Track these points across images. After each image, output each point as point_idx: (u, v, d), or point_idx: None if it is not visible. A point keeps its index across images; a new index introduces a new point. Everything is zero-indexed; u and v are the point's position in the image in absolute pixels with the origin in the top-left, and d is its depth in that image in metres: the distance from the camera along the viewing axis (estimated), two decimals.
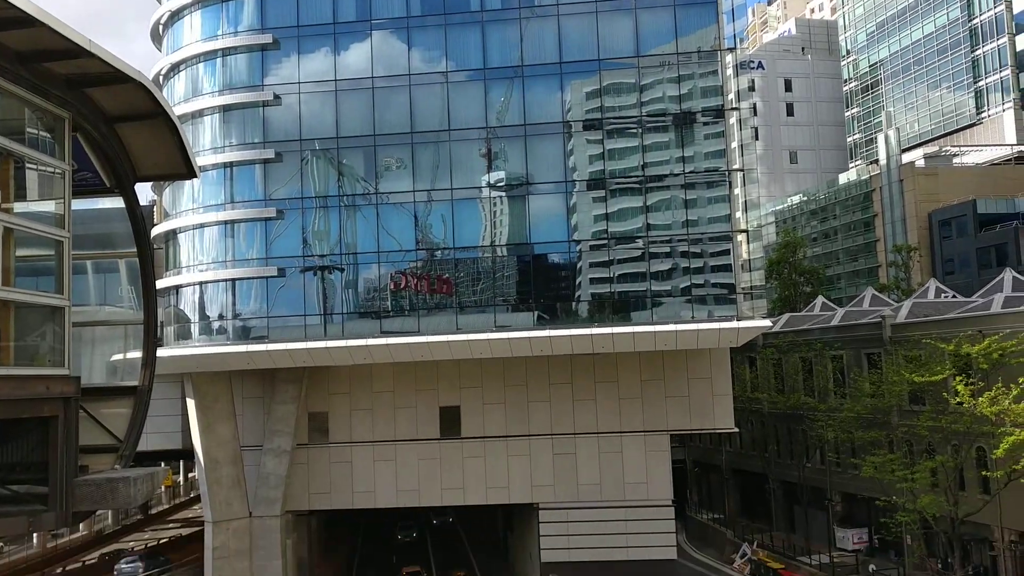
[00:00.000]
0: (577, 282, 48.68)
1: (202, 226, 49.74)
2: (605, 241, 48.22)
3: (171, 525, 78.38)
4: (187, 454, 56.86)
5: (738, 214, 54.93)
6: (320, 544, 66.49)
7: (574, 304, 48.44)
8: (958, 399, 45.07)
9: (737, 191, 50.92)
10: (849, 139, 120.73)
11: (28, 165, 16.36)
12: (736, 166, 49.24)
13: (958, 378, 45.96)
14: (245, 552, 50.14)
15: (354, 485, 52.47)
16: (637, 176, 48.13)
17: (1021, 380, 43.06)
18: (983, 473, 46.47)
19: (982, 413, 43.86)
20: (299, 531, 56.06)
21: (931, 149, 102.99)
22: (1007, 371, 44.53)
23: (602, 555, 49.06)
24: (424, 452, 52.35)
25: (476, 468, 52.05)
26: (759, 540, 63.94)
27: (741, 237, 56.23)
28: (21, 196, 16.39)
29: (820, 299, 74.02)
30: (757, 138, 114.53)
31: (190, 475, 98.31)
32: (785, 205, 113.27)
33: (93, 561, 62.24)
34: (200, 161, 46.02)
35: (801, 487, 63.44)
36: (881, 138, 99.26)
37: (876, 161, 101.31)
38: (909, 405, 51.76)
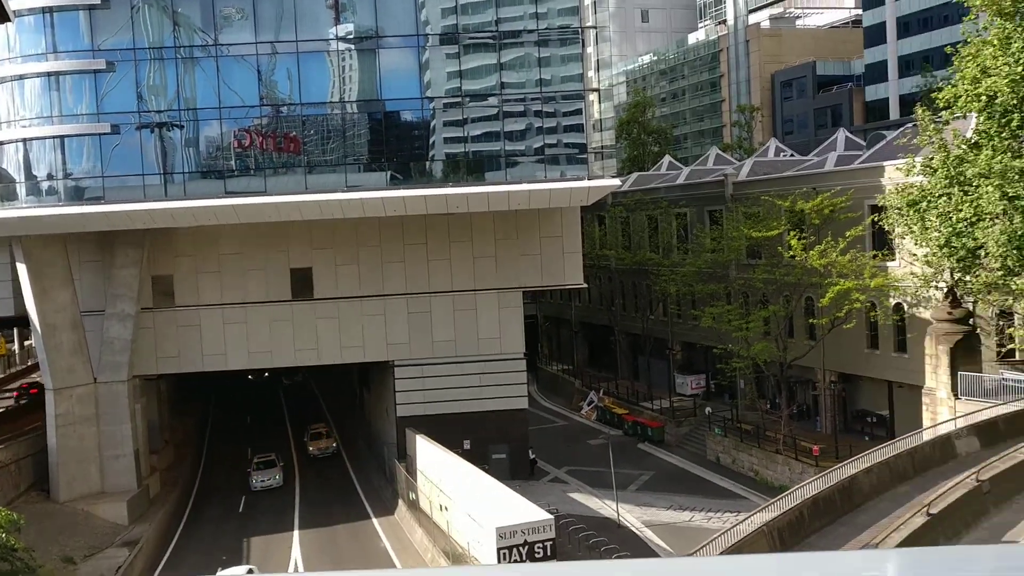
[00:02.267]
0: (431, 141, 47.98)
1: (21, 77, 45.80)
2: (459, 99, 47.47)
3: (6, 394, 75.34)
4: (22, 321, 54.20)
5: (590, 73, 54.98)
6: (170, 407, 65.55)
7: (428, 164, 47.89)
8: (791, 253, 47.80)
9: (589, 50, 50.77)
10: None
11: None
12: (589, 23, 48.90)
13: (792, 233, 48.61)
14: (92, 418, 48.91)
15: (203, 348, 51.51)
16: (491, 31, 47.16)
17: (848, 234, 45.96)
18: (810, 321, 50.03)
19: (812, 265, 46.79)
20: (148, 395, 54.96)
21: (776, 10, 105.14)
22: (836, 226, 47.42)
23: (457, 407, 50.52)
24: (276, 314, 51.69)
25: (330, 328, 51.95)
26: (605, 388, 67.33)
27: (593, 97, 56.43)
28: None
29: (667, 158, 76.03)
30: None
31: (26, 343, 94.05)
32: (636, 65, 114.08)
33: None
34: (14, 4, 41.95)
35: (645, 338, 66.66)
36: None
37: (724, 22, 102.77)
38: (747, 259, 54.65)
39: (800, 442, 47.73)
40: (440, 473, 42.31)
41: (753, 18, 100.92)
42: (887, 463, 29.55)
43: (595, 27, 50.70)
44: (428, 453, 44.82)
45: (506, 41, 47.41)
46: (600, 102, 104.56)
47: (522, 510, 33.80)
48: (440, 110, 47.87)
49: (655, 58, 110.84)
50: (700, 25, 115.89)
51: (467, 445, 48.64)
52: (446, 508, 40.02)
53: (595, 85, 61.63)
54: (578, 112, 48.32)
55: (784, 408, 50.37)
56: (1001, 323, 41.62)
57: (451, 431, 48.37)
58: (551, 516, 34.17)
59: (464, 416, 50.32)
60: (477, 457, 46.13)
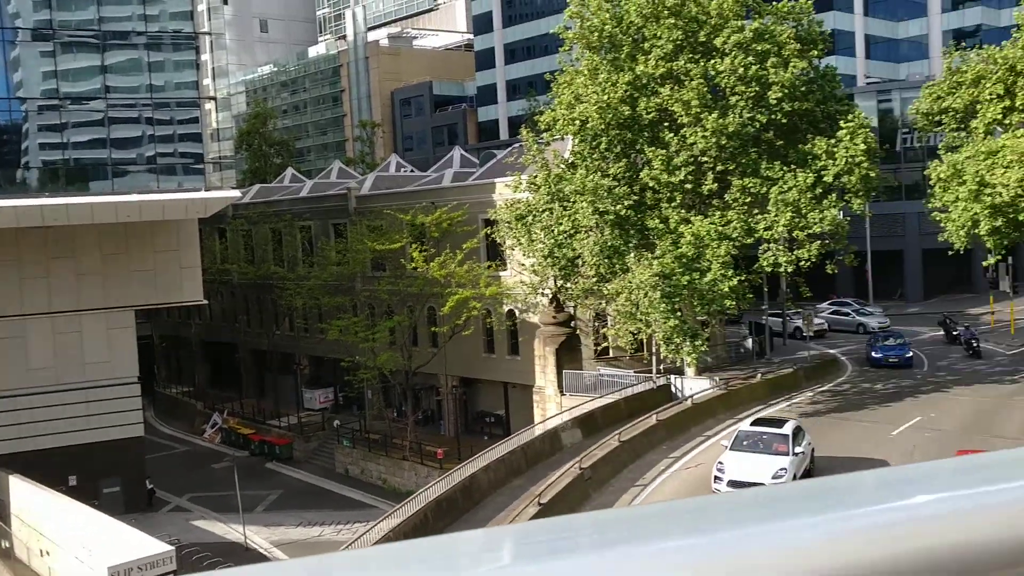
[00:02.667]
0: (24, 147, 43.20)
1: None
2: (57, 102, 43.24)
3: None
4: None
5: (206, 81, 52.79)
6: None
7: (20, 171, 43.04)
8: (413, 264, 49.38)
9: (205, 57, 48.75)
10: (319, 12, 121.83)
11: None
12: (204, 29, 46.93)
13: (414, 245, 50.26)
14: None
15: None
16: (93, 30, 43.54)
17: (465, 246, 48.46)
18: (432, 329, 52.02)
19: (433, 276, 48.69)
20: None
21: (395, 29, 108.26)
22: (454, 238, 49.80)
23: (61, 441, 45.78)
24: None
25: None
26: (230, 408, 64.77)
27: (210, 105, 54.23)
28: None
29: (290, 171, 75.10)
30: (226, 2, 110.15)
31: None
32: (256, 75, 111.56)
33: None
34: None
35: (271, 354, 65.20)
36: (349, 14, 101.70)
37: (344, 37, 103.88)
38: (371, 271, 55.56)
39: (426, 447, 49.38)
40: (39, 515, 38.05)
41: (372, 35, 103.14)
42: (503, 459, 31.49)
43: (211, 33, 48.81)
44: (24, 494, 40.08)
45: (112, 42, 44.09)
46: (218, 111, 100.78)
47: (137, 545, 31.40)
48: (35, 113, 43.33)
49: (276, 69, 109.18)
50: (320, 39, 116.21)
51: (73, 481, 44.23)
52: (48, 553, 36.07)
53: (212, 93, 59.28)
54: (194, 121, 46.17)
55: (410, 415, 51.85)
56: (597, 324, 46.24)
57: (54, 467, 43.65)
58: (171, 548, 32.11)
59: (69, 450, 45.70)
60: (86, 493, 42.13)
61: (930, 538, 0.77)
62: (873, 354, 45.31)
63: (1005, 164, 34.52)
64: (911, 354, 44.75)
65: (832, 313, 58.82)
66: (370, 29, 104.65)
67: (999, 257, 40.58)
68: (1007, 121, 38.14)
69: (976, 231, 36.75)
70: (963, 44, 48.22)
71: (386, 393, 57.58)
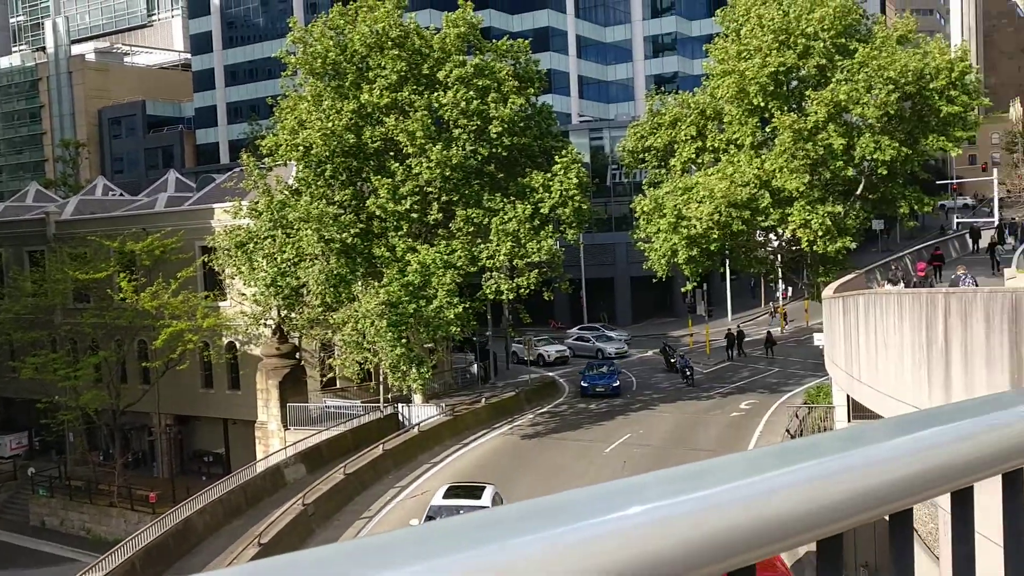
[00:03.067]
0: None
1: None
2: None
3: None
4: None
5: None
6: None
7: None
8: (122, 295, 45.93)
9: None
10: (12, 19, 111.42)
11: None
12: None
13: (122, 275, 46.76)
14: None
15: None
16: None
17: (180, 275, 45.79)
18: (144, 364, 48.59)
19: (144, 308, 45.52)
20: None
21: (103, 44, 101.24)
22: (168, 267, 46.93)
23: None
24: None
25: None
26: None
27: None
28: None
29: None
30: None
31: None
32: None
33: None
34: None
35: None
36: (49, 24, 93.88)
37: (43, 48, 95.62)
38: (73, 303, 51.06)
39: (136, 491, 45.83)
40: None
41: (77, 49, 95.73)
42: (221, 500, 29.85)
43: None
44: None
45: None
46: None
47: None
48: None
49: None
50: (15, 49, 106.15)
51: None
52: None
53: None
54: None
55: (119, 457, 47.97)
56: (323, 355, 45.29)
57: None
58: None
59: None
60: None
61: (641, 545, 0.84)
62: (582, 383, 46.12)
63: (698, 199, 37.81)
64: (618, 383, 45.44)
65: (577, 339, 60.82)
66: (75, 42, 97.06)
67: (695, 284, 44.29)
68: (700, 160, 41.87)
69: (675, 260, 39.91)
70: (663, 89, 52.59)
71: (91, 435, 52.94)
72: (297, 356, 43.36)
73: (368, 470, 32.24)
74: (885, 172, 39.19)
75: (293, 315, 41.23)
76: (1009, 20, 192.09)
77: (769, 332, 57.24)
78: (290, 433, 39.81)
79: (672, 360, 50.29)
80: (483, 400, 42.17)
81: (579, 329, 64.39)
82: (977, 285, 23.57)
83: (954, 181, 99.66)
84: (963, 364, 16.68)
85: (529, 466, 33.06)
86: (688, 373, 46.85)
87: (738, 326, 59.37)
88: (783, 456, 1.03)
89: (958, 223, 73.69)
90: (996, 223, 57.00)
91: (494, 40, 42.83)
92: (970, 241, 59.32)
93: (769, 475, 0.98)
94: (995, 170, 77.14)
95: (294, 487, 31.31)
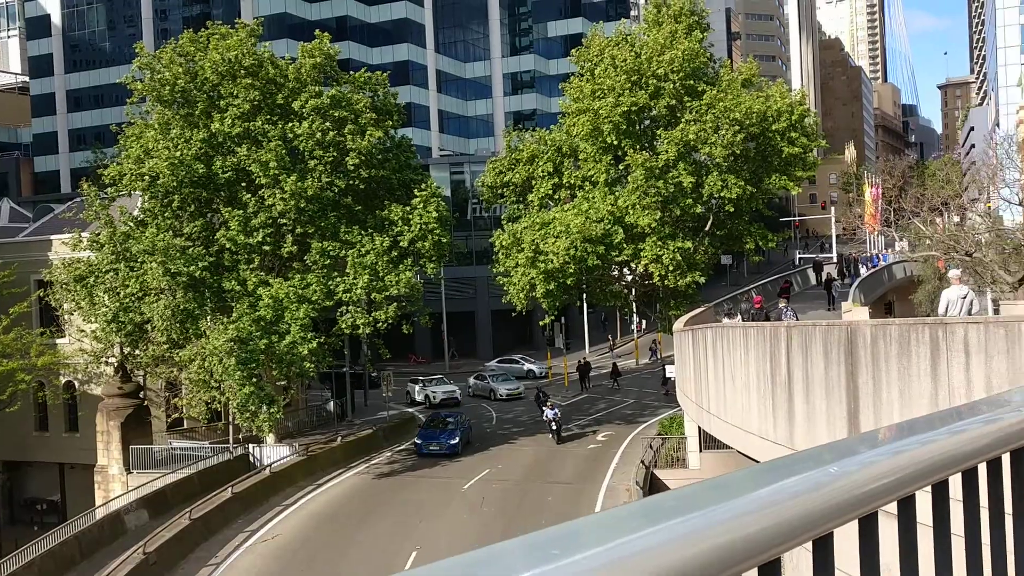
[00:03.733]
0: None
1: None
2: None
3: None
4: None
5: None
6: None
7: None
8: None
9: None
10: None
11: None
12: None
13: None
14: None
15: None
16: None
17: (12, 310, 42.92)
18: None
19: None
20: None
21: None
22: None
23: None
24: None
25: None
26: None
27: None
28: None
29: None
30: None
31: None
32: None
33: None
34: None
35: None
36: None
37: None
38: None
39: None
40: None
41: None
42: (53, 552, 27.82)
43: None
44: None
45: None
46: None
47: None
48: None
49: None
50: None
51: None
52: None
53: None
54: None
55: None
56: (168, 394, 43.20)
57: None
58: None
59: None
60: None
61: None
62: (416, 440, 40.23)
63: (555, 234, 38.28)
64: (457, 439, 39.34)
65: (476, 377, 57.63)
66: None
67: (553, 317, 44.72)
68: (556, 196, 42.49)
69: (533, 294, 40.20)
70: (521, 125, 53.27)
71: None
72: (141, 395, 41.22)
73: (216, 514, 30.77)
74: (732, 209, 40.76)
75: (137, 352, 39.25)
76: (842, 69, 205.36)
77: (615, 364, 58.32)
78: (132, 477, 37.67)
79: (543, 408, 43.30)
80: (339, 439, 41.12)
81: (497, 362, 63.54)
82: (798, 318, 24.58)
83: (796, 218, 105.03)
84: (804, 395, 17.28)
85: (387, 506, 32.33)
86: (554, 428, 40.54)
87: (583, 358, 59.95)
88: (645, 515, 1.02)
89: (800, 258, 77.48)
90: (834, 259, 60.20)
91: (352, 72, 42.38)
92: (812, 275, 62.43)
93: (633, 536, 0.97)
94: (832, 208, 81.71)
95: (135, 534, 29.52)
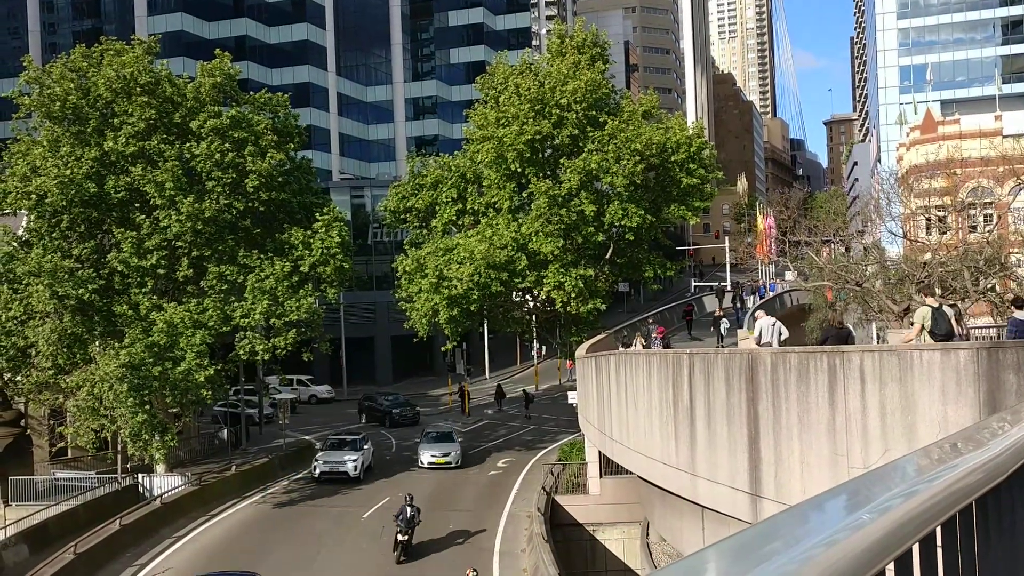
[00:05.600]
0: None
1: None
2: None
3: None
4: None
5: None
6: None
7: None
8: None
9: None
10: None
11: None
12: None
13: None
14: None
15: None
16: None
17: None
18: None
19: None
20: None
21: None
22: None
23: None
24: None
25: None
26: None
27: None
28: None
29: None
30: None
31: None
32: None
33: None
34: None
35: None
36: None
37: None
38: None
39: None
40: None
41: None
42: None
43: None
44: None
45: None
46: None
47: None
48: None
49: None
50: None
51: None
52: None
53: None
54: None
55: None
56: (53, 422, 41.25)
57: None
58: None
59: None
60: None
61: None
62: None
63: (459, 260, 38.27)
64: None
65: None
66: None
67: (455, 343, 44.59)
68: (460, 222, 42.52)
69: (436, 319, 40.02)
70: (424, 150, 53.22)
71: None
72: (22, 424, 39.25)
73: (102, 548, 29.39)
74: (632, 238, 41.53)
75: (19, 378, 37.42)
76: (735, 103, 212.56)
77: (525, 390, 58.57)
78: (11, 510, 35.70)
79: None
80: (233, 468, 39.94)
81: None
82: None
83: (691, 247, 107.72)
84: (706, 421, 17.63)
85: (284, 536, 31.50)
86: (400, 539, 29.70)
87: (497, 384, 60.30)
88: None
89: (695, 287, 79.40)
90: (729, 288, 61.85)
91: (252, 93, 41.65)
92: (714, 302, 63.96)
93: None
94: (727, 238, 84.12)
95: (13, 571, 27.96)
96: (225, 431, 46.00)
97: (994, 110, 68.32)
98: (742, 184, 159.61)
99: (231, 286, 36.95)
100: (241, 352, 37.01)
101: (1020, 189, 39.22)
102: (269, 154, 37.80)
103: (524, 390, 58.35)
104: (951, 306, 19.88)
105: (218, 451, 45.19)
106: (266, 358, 37.49)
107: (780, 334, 20.68)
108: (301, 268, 37.30)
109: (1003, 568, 1.97)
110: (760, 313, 23.46)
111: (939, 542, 1.59)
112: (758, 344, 20.42)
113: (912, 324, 17.77)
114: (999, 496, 1.86)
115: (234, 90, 39.97)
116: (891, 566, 1.34)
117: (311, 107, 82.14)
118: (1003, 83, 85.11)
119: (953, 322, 16.46)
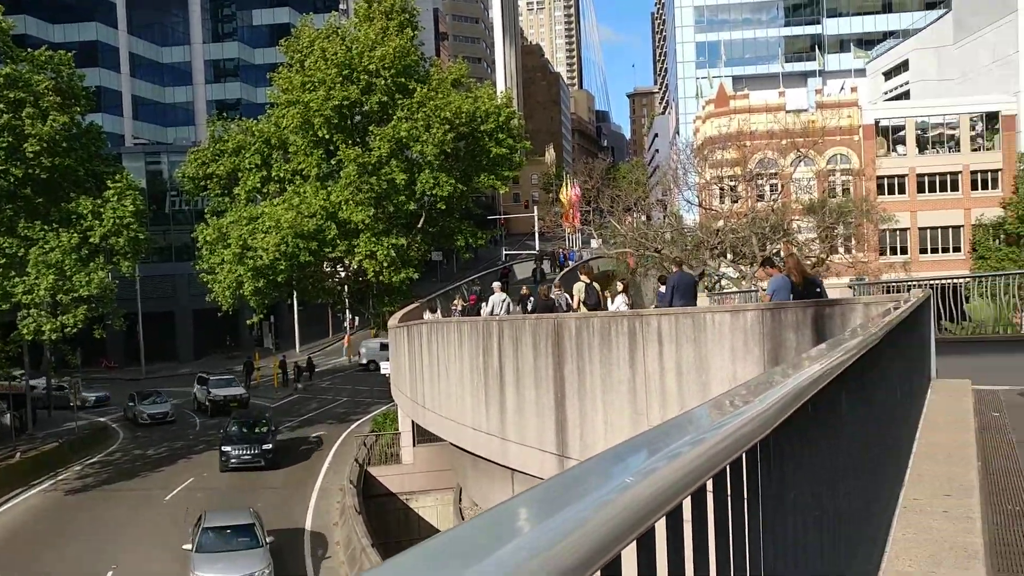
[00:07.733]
0: None
1: None
2: None
3: None
4: None
5: None
6: None
7: None
8: None
9: None
10: None
11: None
12: None
13: None
14: None
15: None
16: None
17: None
18: None
19: None
20: None
21: None
22: None
23: None
24: None
25: None
26: None
27: None
28: None
29: None
30: None
31: None
32: None
33: None
34: None
35: None
36: None
37: None
38: None
39: None
40: None
41: None
42: None
43: None
44: None
45: None
46: None
47: None
48: None
49: None
50: None
51: None
52: None
53: None
54: None
55: None
56: None
57: None
58: None
59: None
60: None
61: None
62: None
63: (264, 230, 36.97)
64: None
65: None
66: None
67: (262, 316, 43.16)
68: (265, 190, 41.05)
69: (241, 292, 38.56)
70: (226, 115, 50.91)
71: None
72: None
73: None
74: (444, 207, 41.47)
75: None
76: (543, 75, 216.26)
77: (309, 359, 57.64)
78: None
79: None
80: (18, 454, 37.14)
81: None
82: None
83: (501, 216, 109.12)
84: (515, 386, 17.87)
85: (78, 524, 29.61)
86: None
87: (308, 357, 59.06)
88: None
89: (506, 255, 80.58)
90: (535, 254, 63.15)
91: (30, 50, 38.30)
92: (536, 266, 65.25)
93: None
94: (535, 207, 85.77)
95: None
96: (8, 415, 42.61)
97: (778, 86, 72.84)
98: (550, 154, 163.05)
99: (10, 260, 34.11)
100: (25, 331, 34.34)
101: (800, 161, 42.06)
102: (51, 117, 35.00)
103: (309, 358, 57.66)
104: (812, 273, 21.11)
105: (0, 438, 41.86)
106: (53, 337, 34.93)
107: (508, 309, 23.41)
108: (91, 240, 34.93)
109: (771, 509, 2.00)
110: (496, 286, 26.10)
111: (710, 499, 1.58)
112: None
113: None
114: (768, 448, 1.88)
115: (8, 46, 36.63)
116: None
117: (100, 67, 76.83)
118: (786, 62, 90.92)
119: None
